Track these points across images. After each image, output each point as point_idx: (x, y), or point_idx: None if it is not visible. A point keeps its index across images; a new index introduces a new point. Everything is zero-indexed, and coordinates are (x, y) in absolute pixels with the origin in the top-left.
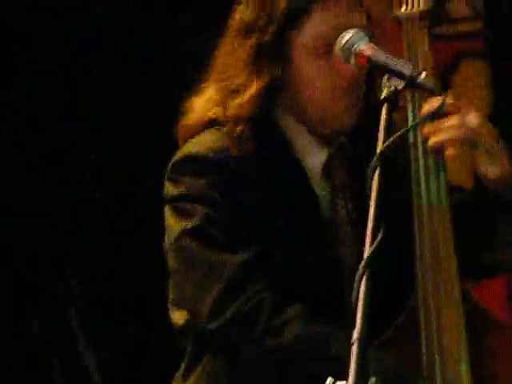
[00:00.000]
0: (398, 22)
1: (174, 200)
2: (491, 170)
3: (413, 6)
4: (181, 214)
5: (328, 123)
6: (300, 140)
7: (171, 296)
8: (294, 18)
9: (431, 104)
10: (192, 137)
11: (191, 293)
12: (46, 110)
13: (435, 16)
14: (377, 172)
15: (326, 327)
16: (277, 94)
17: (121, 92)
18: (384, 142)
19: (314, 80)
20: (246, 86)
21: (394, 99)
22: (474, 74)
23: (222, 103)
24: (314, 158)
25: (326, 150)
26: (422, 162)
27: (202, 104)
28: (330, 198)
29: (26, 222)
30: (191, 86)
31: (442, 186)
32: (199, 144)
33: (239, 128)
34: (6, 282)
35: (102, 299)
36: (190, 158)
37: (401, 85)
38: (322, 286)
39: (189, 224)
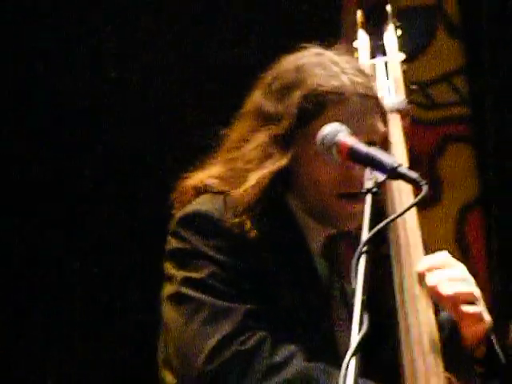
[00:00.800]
0: None
1: (178, 253)
2: (475, 329)
3: None
4: (186, 266)
5: (331, 223)
6: (306, 219)
7: (162, 355)
8: (307, 116)
9: (433, 257)
10: (190, 200)
11: (190, 339)
12: (45, 109)
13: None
14: (362, 259)
15: (321, 363)
16: (284, 180)
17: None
18: (369, 231)
19: (320, 180)
20: (254, 170)
21: (376, 191)
22: (460, 158)
23: (227, 180)
24: (316, 237)
25: (328, 232)
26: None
27: (205, 177)
28: (328, 277)
29: (25, 222)
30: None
31: None
32: (206, 204)
33: (243, 210)
34: (6, 282)
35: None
36: (198, 216)
37: (382, 177)
38: (314, 338)
39: (194, 275)
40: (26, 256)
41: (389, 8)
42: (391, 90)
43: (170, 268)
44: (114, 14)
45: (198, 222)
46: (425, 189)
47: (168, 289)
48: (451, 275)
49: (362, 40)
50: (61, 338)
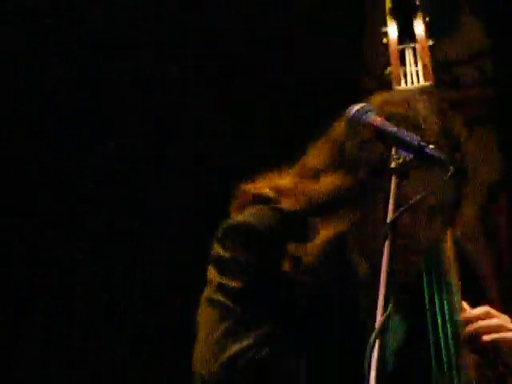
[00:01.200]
0: None
1: (219, 260)
2: None
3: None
4: (224, 273)
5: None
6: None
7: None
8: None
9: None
10: (245, 205)
11: (211, 344)
12: (45, 109)
13: None
14: (387, 240)
15: None
16: None
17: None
18: (394, 213)
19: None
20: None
21: (402, 171)
22: (484, 140)
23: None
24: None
25: None
26: None
27: (273, 183)
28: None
29: (25, 222)
30: None
31: None
32: (257, 217)
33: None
34: (6, 282)
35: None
36: (246, 228)
37: (409, 156)
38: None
39: (230, 283)
40: (25, 256)
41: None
42: (420, 76)
43: (211, 272)
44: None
45: (244, 235)
46: (451, 170)
47: (206, 291)
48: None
49: (391, 26)
50: (61, 337)
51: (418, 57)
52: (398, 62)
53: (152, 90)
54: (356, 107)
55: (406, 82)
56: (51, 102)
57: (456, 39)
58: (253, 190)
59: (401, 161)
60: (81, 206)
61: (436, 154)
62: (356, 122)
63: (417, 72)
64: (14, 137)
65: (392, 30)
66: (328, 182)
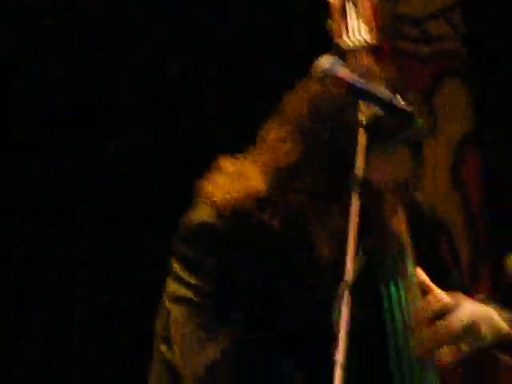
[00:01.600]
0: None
1: (185, 259)
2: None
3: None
4: (191, 273)
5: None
6: None
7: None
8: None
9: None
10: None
11: (186, 343)
12: (46, 109)
13: None
14: (355, 194)
15: None
16: None
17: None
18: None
19: None
20: None
21: (373, 126)
22: (455, 93)
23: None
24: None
25: None
26: None
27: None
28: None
29: (25, 221)
30: None
31: None
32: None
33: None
34: (6, 282)
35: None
36: (203, 229)
37: (380, 111)
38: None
39: (197, 283)
40: (25, 256)
41: None
42: (361, 30)
43: (176, 267)
44: None
45: (202, 235)
46: (420, 123)
47: (173, 286)
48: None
49: None
50: (61, 338)
51: (360, 13)
52: (339, 16)
53: (151, 90)
54: (325, 61)
55: (348, 37)
56: (51, 102)
57: None
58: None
59: (371, 116)
60: (81, 206)
61: (407, 108)
62: (328, 76)
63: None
64: (14, 136)
65: None
66: (288, 151)
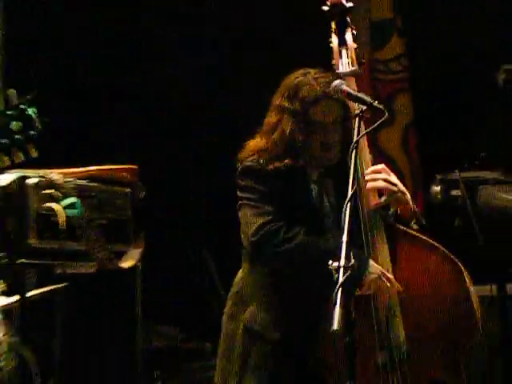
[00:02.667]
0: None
1: (242, 182)
2: (405, 208)
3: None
4: (245, 187)
5: (321, 164)
6: (308, 165)
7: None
8: (306, 110)
9: (375, 167)
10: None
11: (245, 223)
12: None
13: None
14: (353, 154)
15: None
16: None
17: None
18: (357, 137)
19: (314, 143)
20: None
21: (361, 115)
22: (403, 100)
23: (265, 147)
24: (313, 173)
25: (319, 170)
26: None
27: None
28: (319, 195)
29: None
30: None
31: None
32: (252, 160)
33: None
34: None
35: None
36: (248, 168)
37: (364, 107)
38: (311, 228)
39: (250, 189)
40: None
41: (348, 18)
42: (350, 64)
43: (240, 183)
44: None
45: (249, 171)
46: (387, 114)
47: (240, 193)
48: (385, 177)
49: (334, 37)
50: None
51: (349, 54)
52: (338, 57)
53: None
54: (336, 82)
55: (343, 68)
56: None
57: (389, 47)
58: (247, 148)
59: (360, 109)
60: None
61: (380, 107)
62: (338, 89)
63: (348, 62)
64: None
65: (334, 39)
66: (280, 128)
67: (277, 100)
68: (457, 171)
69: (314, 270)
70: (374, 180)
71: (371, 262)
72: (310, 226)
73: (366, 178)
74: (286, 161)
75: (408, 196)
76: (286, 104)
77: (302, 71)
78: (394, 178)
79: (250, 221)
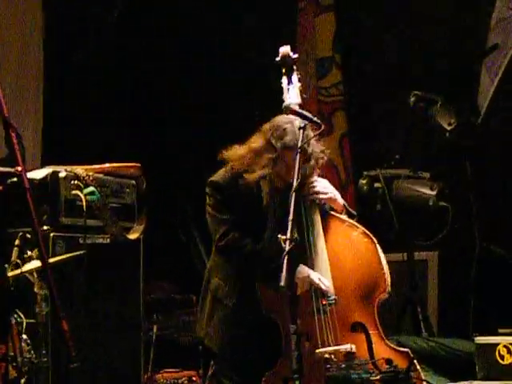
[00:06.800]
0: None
1: (209, 204)
2: (337, 205)
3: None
4: (210, 204)
5: (281, 182)
6: (265, 184)
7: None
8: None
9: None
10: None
11: (213, 230)
12: None
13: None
14: (297, 157)
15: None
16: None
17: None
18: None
19: (278, 170)
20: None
21: (304, 127)
22: (340, 117)
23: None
24: (264, 191)
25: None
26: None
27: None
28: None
29: None
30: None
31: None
32: (219, 174)
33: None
34: None
35: None
36: (211, 185)
37: (307, 122)
38: (257, 233)
39: (212, 205)
40: None
41: (294, 66)
42: (296, 96)
43: (208, 201)
44: None
45: (211, 184)
46: (323, 127)
47: (207, 208)
48: (325, 190)
49: (284, 79)
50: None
51: (295, 91)
52: (286, 93)
53: None
54: (290, 103)
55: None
56: None
57: (330, 76)
58: (223, 156)
59: (304, 123)
60: None
61: (317, 120)
62: (287, 108)
63: (295, 94)
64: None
65: (284, 80)
66: (259, 156)
67: (267, 133)
68: (378, 169)
69: (255, 260)
70: (324, 194)
71: (300, 267)
72: (256, 226)
73: (317, 189)
74: (255, 173)
75: (339, 198)
76: (271, 140)
77: (291, 119)
78: (330, 188)
79: (214, 227)
